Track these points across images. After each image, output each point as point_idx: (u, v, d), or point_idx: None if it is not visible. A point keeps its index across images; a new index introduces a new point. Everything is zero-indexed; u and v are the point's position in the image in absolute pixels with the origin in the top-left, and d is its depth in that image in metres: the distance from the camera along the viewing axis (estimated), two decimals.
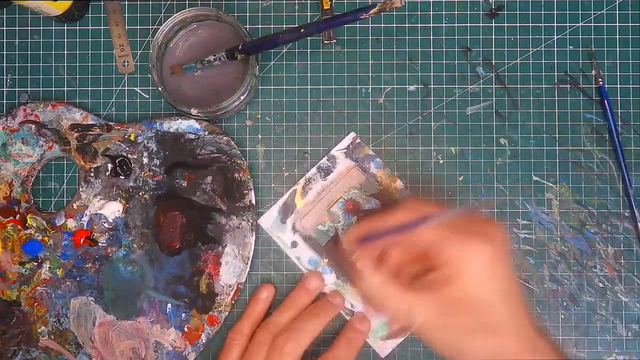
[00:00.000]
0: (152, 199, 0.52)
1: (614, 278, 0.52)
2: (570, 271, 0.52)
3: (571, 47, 0.53)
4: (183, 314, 0.51)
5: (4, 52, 0.54)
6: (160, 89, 0.48)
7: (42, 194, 0.54)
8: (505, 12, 0.53)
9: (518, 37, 0.53)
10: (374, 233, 0.42)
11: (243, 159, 0.52)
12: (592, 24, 0.53)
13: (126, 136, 0.52)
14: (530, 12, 0.53)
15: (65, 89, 0.54)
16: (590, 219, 0.53)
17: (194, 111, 0.48)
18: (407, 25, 0.53)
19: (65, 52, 0.54)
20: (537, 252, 0.53)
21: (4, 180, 0.52)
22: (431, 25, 0.53)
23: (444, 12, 0.53)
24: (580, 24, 0.53)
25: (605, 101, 0.52)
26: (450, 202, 0.53)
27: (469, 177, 0.53)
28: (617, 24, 0.53)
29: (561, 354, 0.41)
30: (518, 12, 0.53)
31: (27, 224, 0.52)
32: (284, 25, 0.54)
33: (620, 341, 0.52)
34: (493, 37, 0.53)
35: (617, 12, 0.53)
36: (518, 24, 0.53)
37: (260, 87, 0.53)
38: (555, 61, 0.53)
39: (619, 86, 0.53)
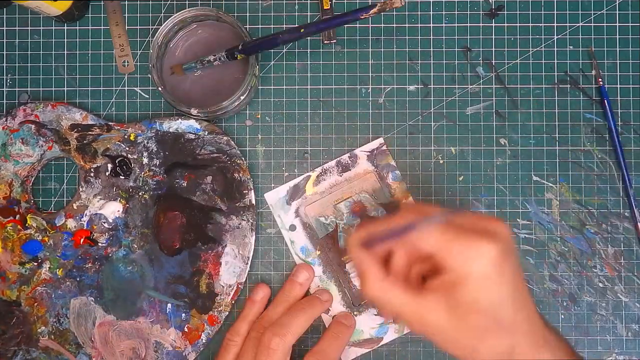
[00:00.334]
0: (152, 199, 0.52)
1: (614, 278, 0.52)
2: (570, 271, 0.52)
3: (571, 47, 0.53)
4: (183, 314, 0.51)
5: (4, 52, 0.54)
6: (160, 89, 0.48)
7: (42, 194, 0.54)
8: (505, 12, 0.53)
9: (518, 37, 0.53)
10: (377, 237, 0.42)
11: (243, 159, 0.52)
12: (592, 24, 0.53)
13: (126, 136, 0.52)
14: (530, 12, 0.53)
15: (65, 89, 0.54)
16: (590, 219, 0.53)
17: (194, 111, 0.48)
18: (407, 25, 0.53)
19: (65, 52, 0.54)
20: (537, 252, 0.53)
21: (4, 180, 0.52)
22: (431, 25, 0.53)
23: (444, 12, 0.53)
24: (580, 24, 0.53)
25: (605, 101, 0.52)
26: (450, 202, 0.53)
27: (469, 177, 0.53)
28: (617, 24, 0.53)
29: (570, 348, 0.41)
30: (518, 12, 0.53)
31: (27, 224, 0.52)
32: (284, 25, 0.54)
33: (620, 341, 0.52)
34: (493, 37, 0.53)
35: (617, 12, 0.53)
36: (518, 24, 0.53)
37: (260, 87, 0.53)
38: (555, 61, 0.53)
39: (619, 86, 0.53)
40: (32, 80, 0.54)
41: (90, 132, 0.52)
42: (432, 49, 0.53)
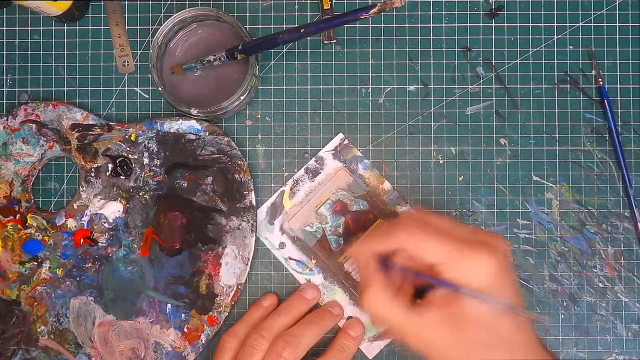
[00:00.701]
0: (153, 199, 0.52)
1: (614, 278, 0.52)
2: (570, 271, 0.52)
3: (571, 47, 0.53)
4: (183, 315, 0.51)
5: (4, 52, 0.54)
6: (160, 89, 0.48)
7: (42, 194, 0.54)
8: (505, 12, 0.53)
9: (518, 37, 0.53)
10: (400, 267, 0.41)
11: (243, 159, 0.52)
12: (592, 24, 0.53)
13: (127, 136, 0.52)
14: (530, 12, 0.53)
15: (65, 89, 0.54)
16: (590, 219, 0.53)
17: (194, 111, 0.48)
18: (407, 25, 0.53)
19: (65, 52, 0.54)
20: (537, 252, 0.52)
21: (5, 179, 0.52)
22: (431, 25, 0.53)
23: (444, 12, 0.53)
24: (580, 24, 0.53)
25: (605, 101, 0.52)
26: (450, 202, 0.53)
27: (469, 177, 0.53)
28: (617, 24, 0.53)
29: None
30: (518, 12, 0.53)
31: (27, 224, 0.52)
32: (284, 25, 0.54)
33: (620, 341, 0.52)
34: (493, 37, 0.53)
35: (617, 12, 0.53)
36: (518, 24, 0.53)
37: (260, 87, 0.53)
38: (555, 61, 0.53)
39: (619, 86, 0.53)
40: (32, 80, 0.54)
41: (91, 132, 0.52)
42: (432, 49, 0.53)
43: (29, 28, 0.54)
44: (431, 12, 0.53)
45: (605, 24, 0.53)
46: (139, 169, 0.52)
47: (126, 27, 0.54)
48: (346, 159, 0.53)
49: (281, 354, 0.47)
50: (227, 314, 0.51)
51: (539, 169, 0.53)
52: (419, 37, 0.53)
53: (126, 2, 0.54)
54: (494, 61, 0.53)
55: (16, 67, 0.54)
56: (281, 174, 0.53)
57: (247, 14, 0.54)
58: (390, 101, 0.53)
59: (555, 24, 0.53)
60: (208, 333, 0.51)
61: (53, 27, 0.54)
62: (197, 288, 0.51)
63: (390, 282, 0.41)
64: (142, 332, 0.51)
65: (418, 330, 0.40)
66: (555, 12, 0.53)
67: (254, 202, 0.51)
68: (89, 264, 0.52)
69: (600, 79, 0.52)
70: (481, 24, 0.53)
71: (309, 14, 0.54)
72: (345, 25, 0.53)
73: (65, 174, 0.54)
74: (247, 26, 0.54)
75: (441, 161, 0.53)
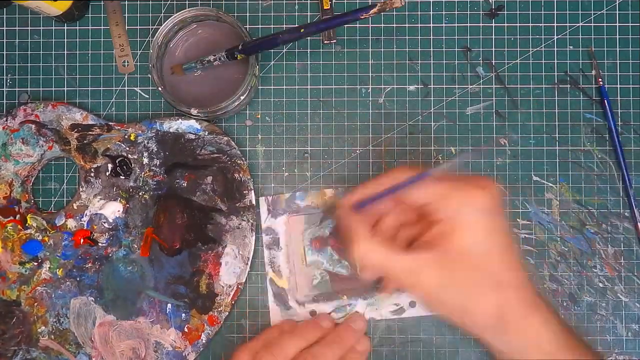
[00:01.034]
0: (152, 199, 0.52)
1: (614, 278, 0.52)
2: (570, 271, 0.52)
3: (571, 47, 0.53)
4: (183, 314, 0.51)
5: (4, 52, 0.54)
6: (160, 89, 0.48)
7: (42, 194, 0.54)
8: (505, 12, 0.53)
9: (518, 37, 0.53)
10: (368, 198, 0.41)
11: (243, 159, 0.52)
12: (592, 24, 0.53)
13: (126, 136, 0.52)
14: (530, 12, 0.53)
15: (65, 89, 0.54)
16: (590, 219, 0.53)
17: (194, 111, 0.48)
18: (407, 25, 0.53)
19: (65, 52, 0.54)
20: (537, 252, 0.53)
21: (4, 180, 0.52)
22: (431, 25, 0.53)
23: (444, 12, 0.53)
24: (580, 24, 0.53)
25: (605, 101, 0.52)
26: None
27: None
28: (617, 24, 0.53)
29: (561, 317, 0.41)
30: (518, 12, 0.53)
31: (27, 224, 0.52)
32: (284, 25, 0.54)
33: (620, 341, 0.52)
34: (493, 37, 0.53)
35: (617, 12, 0.53)
36: (518, 24, 0.53)
37: (260, 87, 0.53)
38: (555, 61, 0.53)
39: (619, 86, 0.53)
40: (32, 80, 0.54)
41: (90, 132, 0.52)
42: (432, 49, 0.53)
43: (29, 28, 0.54)
44: (431, 12, 0.53)
45: (605, 24, 0.53)
46: (139, 168, 0.52)
47: (126, 27, 0.54)
48: (282, 207, 0.52)
49: None
50: (227, 313, 0.51)
51: (539, 169, 0.53)
52: (419, 37, 0.53)
53: (126, 2, 0.54)
54: (494, 61, 0.53)
55: (16, 67, 0.54)
56: (281, 174, 0.53)
57: (247, 14, 0.54)
58: (390, 101, 0.53)
59: (555, 24, 0.53)
60: (208, 333, 0.51)
61: (53, 27, 0.54)
62: (197, 288, 0.51)
63: (377, 230, 0.41)
64: (143, 332, 0.51)
65: (409, 272, 0.40)
66: (555, 12, 0.53)
67: (253, 202, 0.51)
68: (89, 264, 0.52)
69: (600, 79, 0.52)
70: (481, 24, 0.53)
71: (309, 14, 0.54)
72: (345, 25, 0.53)
73: (65, 174, 0.54)
74: (247, 26, 0.54)
75: (441, 161, 0.53)
